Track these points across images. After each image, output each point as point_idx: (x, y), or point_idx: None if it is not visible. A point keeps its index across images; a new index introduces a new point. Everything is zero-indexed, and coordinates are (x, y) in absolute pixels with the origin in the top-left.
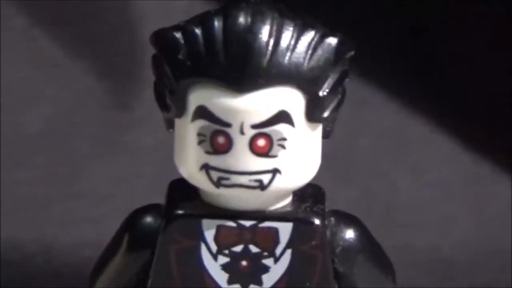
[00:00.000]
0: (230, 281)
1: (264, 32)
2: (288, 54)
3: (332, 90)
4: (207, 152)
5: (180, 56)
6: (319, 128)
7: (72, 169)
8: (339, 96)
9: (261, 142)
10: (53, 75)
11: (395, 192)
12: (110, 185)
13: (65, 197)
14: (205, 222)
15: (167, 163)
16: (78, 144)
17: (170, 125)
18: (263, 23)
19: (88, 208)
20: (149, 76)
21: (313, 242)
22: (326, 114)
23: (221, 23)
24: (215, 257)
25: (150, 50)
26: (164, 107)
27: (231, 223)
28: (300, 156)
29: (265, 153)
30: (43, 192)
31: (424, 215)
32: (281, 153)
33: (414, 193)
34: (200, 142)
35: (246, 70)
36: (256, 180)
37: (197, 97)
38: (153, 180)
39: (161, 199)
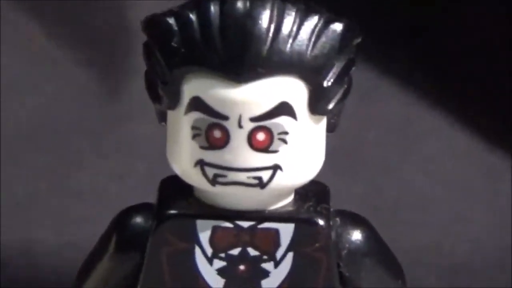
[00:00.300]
0: (226, 287)
1: (264, 18)
2: (290, 41)
3: (338, 80)
4: (202, 147)
5: (173, 44)
6: (323, 121)
7: (58, 165)
8: (345, 86)
9: (260, 136)
10: (38, 67)
11: (404, 189)
12: (97, 182)
13: (49, 195)
14: (200, 223)
15: (159, 158)
16: (63, 140)
17: (163, 117)
18: (263, 7)
19: (73, 207)
20: (140, 65)
21: (317, 245)
22: (331, 106)
23: (217, 8)
24: (210, 260)
25: (142, 38)
26: (156, 98)
27: (228, 224)
28: (303, 151)
29: (265, 148)
30: (26, 191)
31: (433, 214)
32: (282, 148)
33: (424, 190)
34: (194, 136)
35: (245, 58)
36: (255, 177)
37: (191, 88)
38: (145, 177)
39: (153, 198)
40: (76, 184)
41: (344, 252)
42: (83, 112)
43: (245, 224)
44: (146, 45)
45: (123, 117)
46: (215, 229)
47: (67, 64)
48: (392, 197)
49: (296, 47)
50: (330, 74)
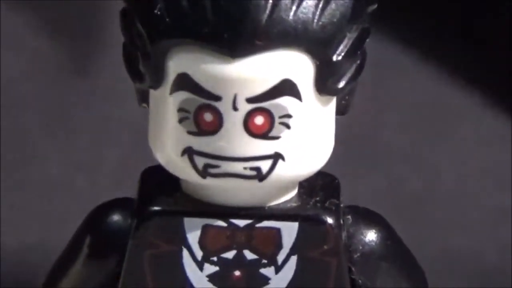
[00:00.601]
0: None
1: None
2: (294, 8)
3: (350, 54)
4: (191, 133)
5: (156, 11)
6: (333, 102)
7: (18, 152)
8: (358, 61)
9: (259, 120)
10: None
11: (431, 181)
12: (64, 172)
13: (8, 187)
14: (188, 221)
15: (137, 145)
16: (25, 120)
17: (144, 98)
18: None
19: (37, 202)
20: (116, 36)
21: (325, 247)
22: (341, 85)
23: None
24: (200, 265)
25: (118, 3)
26: (136, 75)
27: (221, 223)
28: (309, 138)
29: (264, 133)
30: None
31: (466, 211)
32: (284, 133)
33: (455, 183)
34: (181, 120)
35: (240, 28)
36: (253, 168)
37: (177, 63)
38: (120, 167)
39: (129, 192)
40: (38, 176)
41: (356, 255)
42: (46, 91)
43: (241, 222)
44: (123, 13)
45: (94, 97)
46: (206, 229)
47: (28, 35)
48: (417, 191)
49: (300, 15)
50: (341, 47)
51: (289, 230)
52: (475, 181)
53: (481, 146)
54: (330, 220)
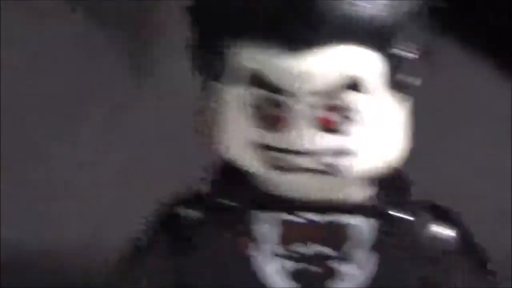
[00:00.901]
0: None
1: None
2: (360, 3)
3: (415, 48)
4: (259, 127)
5: (226, 9)
6: (401, 96)
7: (18, 152)
8: (425, 54)
9: (328, 115)
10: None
11: (435, 179)
12: (66, 172)
13: (8, 187)
14: (260, 215)
15: (140, 146)
16: (25, 120)
17: (208, 92)
18: None
19: (37, 201)
20: (117, 35)
21: (403, 244)
22: (409, 79)
23: None
24: (274, 260)
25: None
26: (201, 69)
27: (293, 217)
28: (380, 133)
29: (333, 128)
30: None
31: (472, 209)
32: (354, 129)
33: (460, 181)
34: (251, 115)
35: (309, 25)
36: (323, 163)
37: (245, 60)
38: (122, 168)
39: (132, 192)
40: (39, 176)
41: (432, 253)
42: (47, 91)
43: (315, 217)
44: (191, 10)
45: (97, 97)
46: (277, 223)
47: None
48: (421, 190)
49: (368, 11)
50: (407, 43)
51: (367, 227)
52: (475, 181)
53: (482, 146)
54: (407, 217)
